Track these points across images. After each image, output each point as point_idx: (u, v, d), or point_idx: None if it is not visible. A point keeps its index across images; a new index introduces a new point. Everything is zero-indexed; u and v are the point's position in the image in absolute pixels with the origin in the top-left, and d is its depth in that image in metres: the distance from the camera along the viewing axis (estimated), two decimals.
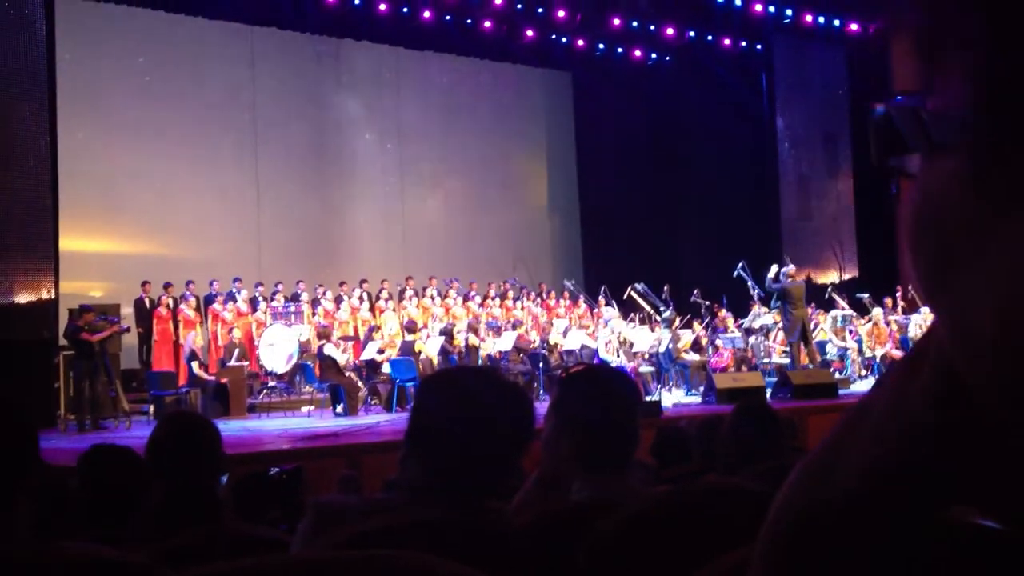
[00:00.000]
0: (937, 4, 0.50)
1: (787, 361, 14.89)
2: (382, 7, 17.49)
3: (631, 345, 15.08)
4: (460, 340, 14.72)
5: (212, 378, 13.36)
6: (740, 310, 16.44)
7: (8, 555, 1.52)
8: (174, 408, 12.10)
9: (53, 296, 12.92)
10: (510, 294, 17.70)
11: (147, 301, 14.87)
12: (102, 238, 16.04)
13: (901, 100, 0.51)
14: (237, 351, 13.87)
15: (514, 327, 15.55)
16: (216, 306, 15.05)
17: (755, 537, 0.66)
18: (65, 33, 14.61)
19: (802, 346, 14.22)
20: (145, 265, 15.58)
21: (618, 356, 14.74)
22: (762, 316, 15.80)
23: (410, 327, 14.32)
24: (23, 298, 12.48)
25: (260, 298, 15.65)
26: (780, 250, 18.69)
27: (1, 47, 12.36)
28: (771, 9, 19.31)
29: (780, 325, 15.33)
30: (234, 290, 15.47)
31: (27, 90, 12.59)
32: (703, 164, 20.10)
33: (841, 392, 12.91)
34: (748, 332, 15.82)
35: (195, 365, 13.37)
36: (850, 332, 16.45)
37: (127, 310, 14.60)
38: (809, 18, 19.72)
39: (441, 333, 14.44)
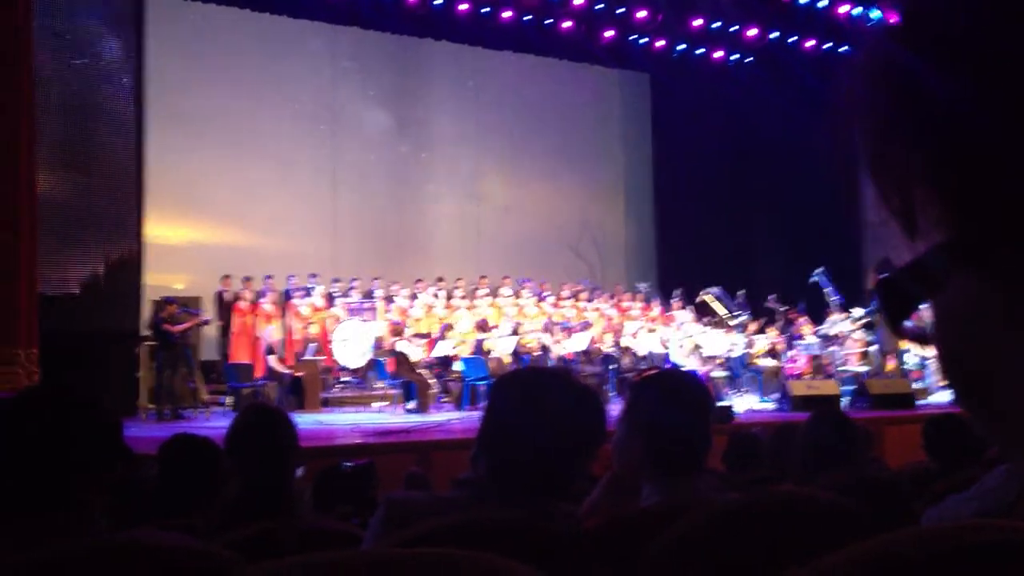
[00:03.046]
0: (887, 151, 0.51)
1: (864, 369, 14.60)
2: (462, 7, 17.57)
3: (704, 349, 14.94)
4: (531, 340, 14.72)
5: (288, 371, 13.56)
6: (817, 317, 16.16)
7: (92, 544, 1.57)
8: (253, 401, 12.34)
9: (137, 288, 13.25)
10: (583, 295, 17.65)
11: (227, 294, 15.15)
12: (185, 232, 16.38)
13: (895, 265, 0.52)
14: (313, 346, 14.07)
15: (584, 328, 15.51)
16: (294, 301, 15.27)
17: (828, 549, 0.66)
18: (154, 30, 14.97)
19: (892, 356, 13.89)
20: (226, 258, 15.88)
21: (691, 360, 14.61)
22: (839, 323, 15.51)
23: (482, 326, 14.37)
24: (108, 289, 12.83)
25: (336, 294, 15.85)
26: (861, 256, 18.33)
27: (95, 44, 12.73)
28: (855, 10, 18.96)
29: (855, 334, 15.05)
30: (311, 285, 15.70)
31: (117, 86, 12.95)
32: (782, 167, 19.79)
33: (919, 402, 12.62)
34: (825, 339, 15.55)
35: (272, 358, 13.59)
36: None
37: (208, 303, 14.88)
38: (894, 19, 19.30)
39: (512, 332, 14.46)
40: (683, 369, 12.94)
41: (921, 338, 0.52)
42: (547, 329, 14.91)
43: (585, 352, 14.74)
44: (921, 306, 0.53)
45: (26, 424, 1.66)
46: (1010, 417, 0.49)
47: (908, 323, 0.53)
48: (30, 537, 1.58)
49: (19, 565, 1.40)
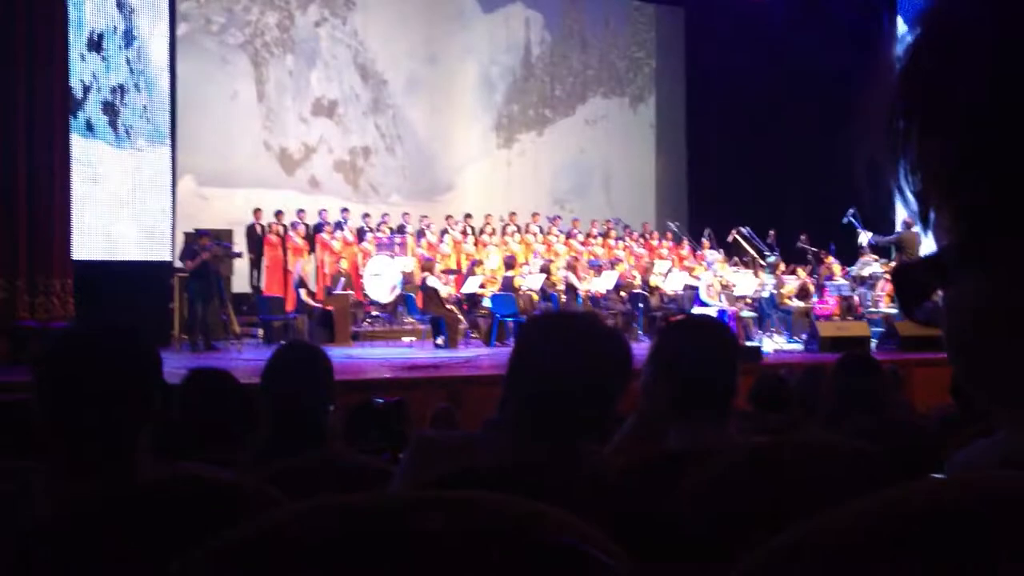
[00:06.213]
0: (919, 141, 0.55)
1: (895, 311, 14.52)
2: None
3: (734, 289, 14.89)
4: (559, 277, 14.73)
5: (319, 305, 13.65)
6: (848, 258, 16.03)
7: (138, 477, 1.62)
8: (291, 339, 12.44)
9: (171, 220, 13.35)
10: (612, 233, 17.60)
11: (258, 228, 15.21)
12: (218, 164, 16.41)
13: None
14: (343, 280, 14.14)
15: (613, 265, 15.47)
16: (324, 235, 15.32)
17: (852, 495, 0.67)
18: None
19: None
20: (257, 192, 15.96)
21: (720, 299, 14.58)
22: (871, 264, 15.39)
23: (509, 263, 14.36)
24: (142, 221, 12.94)
25: (366, 228, 15.89)
26: (892, 197, 18.10)
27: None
28: None
29: (886, 275, 14.94)
30: (342, 220, 15.73)
31: (154, 16, 12.96)
32: (817, 106, 19.48)
33: None
34: (855, 280, 15.44)
35: (303, 292, 13.67)
36: None
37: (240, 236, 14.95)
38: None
39: (541, 270, 14.47)
40: (711, 312, 12.94)
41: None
42: (570, 267, 14.86)
43: (613, 290, 14.72)
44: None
45: (71, 360, 1.70)
46: (1004, 396, 0.53)
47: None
48: (79, 472, 1.63)
49: (73, 500, 1.45)
